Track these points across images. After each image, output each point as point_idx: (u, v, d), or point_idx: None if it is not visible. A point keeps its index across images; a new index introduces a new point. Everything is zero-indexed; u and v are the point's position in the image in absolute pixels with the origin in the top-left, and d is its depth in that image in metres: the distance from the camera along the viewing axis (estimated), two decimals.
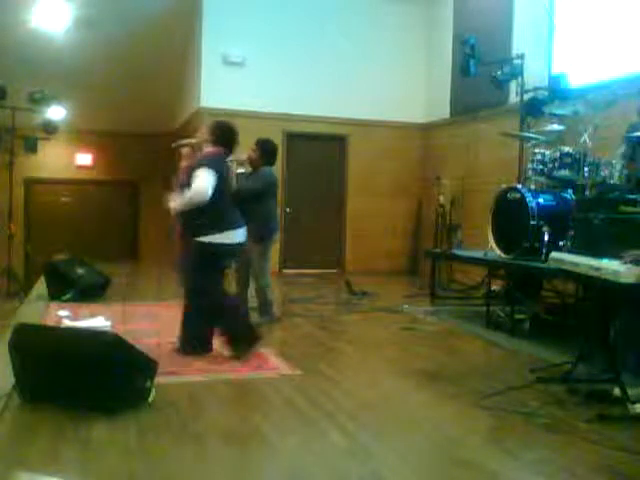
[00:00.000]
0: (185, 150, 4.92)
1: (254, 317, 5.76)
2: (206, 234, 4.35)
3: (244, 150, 5.92)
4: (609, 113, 5.33)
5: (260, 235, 5.63)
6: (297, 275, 9.28)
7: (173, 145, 5.26)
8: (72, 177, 12.59)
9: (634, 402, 3.40)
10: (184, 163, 4.87)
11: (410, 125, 10.26)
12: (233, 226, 4.48)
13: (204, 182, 4.28)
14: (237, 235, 4.51)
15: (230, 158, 6.58)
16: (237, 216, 4.59)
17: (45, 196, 12.44)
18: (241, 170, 5.86)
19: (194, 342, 4.50)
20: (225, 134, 4.62)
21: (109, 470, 2.67)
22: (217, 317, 4.52)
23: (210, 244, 4.36)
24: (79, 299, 6.42)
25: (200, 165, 4.40)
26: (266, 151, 5.76)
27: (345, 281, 7.96)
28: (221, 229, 4.38)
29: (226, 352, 4.49)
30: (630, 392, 3.46)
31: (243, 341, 4.48)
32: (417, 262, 10.13)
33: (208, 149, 4.58)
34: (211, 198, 4.28)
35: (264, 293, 5.70)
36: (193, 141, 4.87)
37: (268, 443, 3.03)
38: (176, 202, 4.42)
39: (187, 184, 4.36)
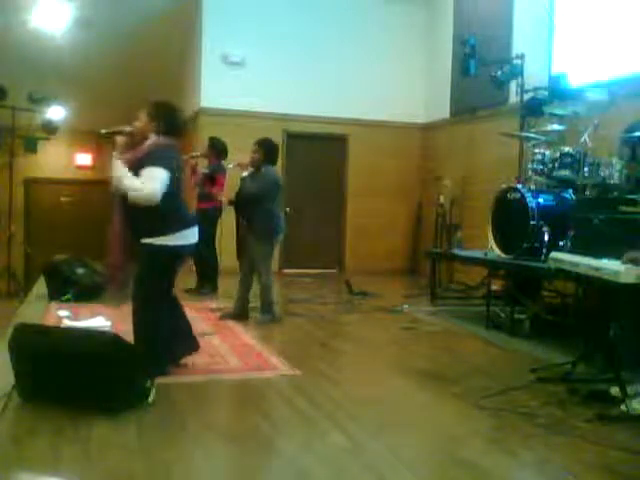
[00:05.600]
0: (121, 139, 3.89)
1: (256, 316, 5.79)
2: (159, 235, 3.85)
3: (245, 153, 5.94)
4: (609, 113, 5.33)
5: (264, 235, 5.67)
6: (297, 275, 9.28)
7: (103, 132, 4.01)
8: (72, 177, 12.59)
9: (634, 402, 3.40)
10: (127, 155, 3.83)
11: (410, 125, 10.26)
12: (188, 225, 3.91)
13: (155, 185, 3.65)
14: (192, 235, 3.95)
15: (231, 165, 6.57)
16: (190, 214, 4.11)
17: (45, 196, 12.43)
18: (245, 173, 5.88)
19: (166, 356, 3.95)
20: (174, 121, 3.91)
21: (109, 470, 2.67)
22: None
23: (164, 246, 3.85)
24: (79, 299, 6.42)
25: (151, 161, 3.69)
26: (268, 150, 5.78)
27: (345, 281, 7.96)
28: (175, 230, 3.83)
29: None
30: (630, 392, 3.46)
31: (159, 365, 3.80)
32: (417, 262, 10.13)
33: (154, 139, 3.83)
34: (163, 200, 3.69)
35: (267, 292, 5.72)
36: (127, 129, 3.91)
37: (268, 443, 3.03)
38: (123, 177, 3.69)
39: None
